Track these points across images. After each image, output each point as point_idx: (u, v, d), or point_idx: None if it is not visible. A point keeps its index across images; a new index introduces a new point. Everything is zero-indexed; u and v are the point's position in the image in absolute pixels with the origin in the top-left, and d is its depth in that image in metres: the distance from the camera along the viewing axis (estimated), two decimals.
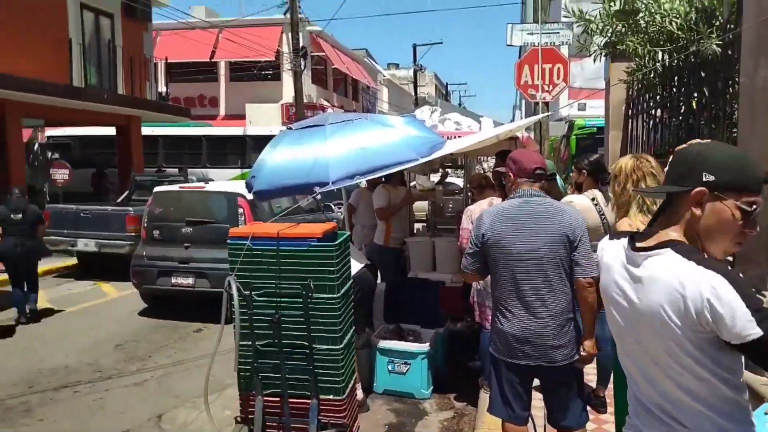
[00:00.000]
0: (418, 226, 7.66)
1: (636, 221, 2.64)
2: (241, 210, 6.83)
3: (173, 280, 6.86)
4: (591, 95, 9.99)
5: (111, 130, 13.90)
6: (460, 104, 50.53)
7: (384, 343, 4.54)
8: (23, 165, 10.83)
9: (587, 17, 5.63)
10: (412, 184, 7.16)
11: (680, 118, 5.45)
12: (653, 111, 6.17)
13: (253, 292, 3.58)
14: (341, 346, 3.57)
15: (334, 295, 3.57)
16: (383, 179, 5.60)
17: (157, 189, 7.65)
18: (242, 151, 14.94)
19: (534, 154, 2.86)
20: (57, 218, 8.87)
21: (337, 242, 3.68)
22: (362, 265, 4.48)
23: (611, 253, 1.51)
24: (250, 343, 3.60)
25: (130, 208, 8.96)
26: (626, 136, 7.07)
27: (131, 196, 10.22)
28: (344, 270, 3.78)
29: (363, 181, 6.06)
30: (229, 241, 3.67)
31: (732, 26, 4.10)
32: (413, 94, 35.90)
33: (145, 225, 7.28)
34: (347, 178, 4.43)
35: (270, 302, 3.58)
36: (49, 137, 15.66)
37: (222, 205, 7.06)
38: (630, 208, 2.67)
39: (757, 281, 3.09)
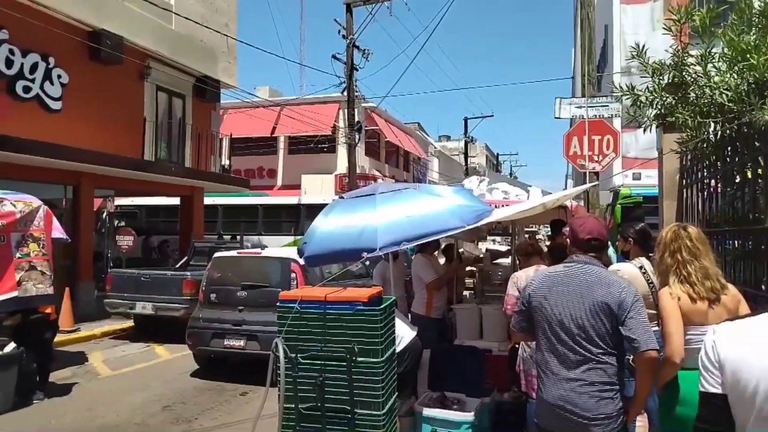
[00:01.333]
0: (465, 293, 7.60)
1: (676, 290, 2.60)
2: (294, 275, 7.05)
3: (226, 342, 7.01)
4: (644, 164, 9.90)
5: (175, 200, 14.73)
6: (511, 174, 50.69)
7: (428, 411, 4.44)
8: (92, 232, 11.56)
9: (636, 91, 5.70)
10: (460, 250, 7.19)
11: (735, 188, 5.33)
12: (707, 181, 6.06)
13: (298, 355, 3.65)
14: (383, 411, 3.55)
15: (378, 360, 3.59)
16: (416, 249, 5.66)
17: (216, 254, 7.99)
18: (296, 219, 15.50)
19: (593, 223, 2.77)
20: (118, 282, 9.32)
21: (382, 306, 3.74)
22: (414, 333, 4.48)
23: None
24: (293, 406, 3.62)
25: (188, 273, 9.32)
26: (681, 205, 6.93)
27: (190, 261, 10.64)
28: (389, 334, 3.81)
29: (382, 255, 6.13)
30: (278, 304, 3.79)
31: None
32: (464, 164, 36.33)
33: (203, 289, 7.56)
34: (394, 245, 4.54)
35: (314, 365, 3.63)
36: (117, 206, 16.71)
37: (276, 269, 7.28)
38: (668, 277, 2.64)
39: None
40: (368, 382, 3.57)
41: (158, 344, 9.23)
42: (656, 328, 3.12)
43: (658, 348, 2.44)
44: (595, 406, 2.44)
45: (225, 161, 17.11)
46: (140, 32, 12.15)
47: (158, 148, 13.21)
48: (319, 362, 3.64)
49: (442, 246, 7.29)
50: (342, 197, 5.33)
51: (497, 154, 53.08)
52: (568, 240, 2.79)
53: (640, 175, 17.27)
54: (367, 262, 5.94)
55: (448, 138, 51.34)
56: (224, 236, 13.51)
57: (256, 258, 7.73)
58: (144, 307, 9.29)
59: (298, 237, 14.18)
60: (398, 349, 4.08)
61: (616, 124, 12.03)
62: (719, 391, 1.43)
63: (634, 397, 2.56)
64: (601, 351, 2.48)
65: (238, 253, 8.25)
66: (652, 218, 7.33)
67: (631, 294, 2.50)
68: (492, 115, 54.40)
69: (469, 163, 36.87)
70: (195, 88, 14.36)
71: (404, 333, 4.36)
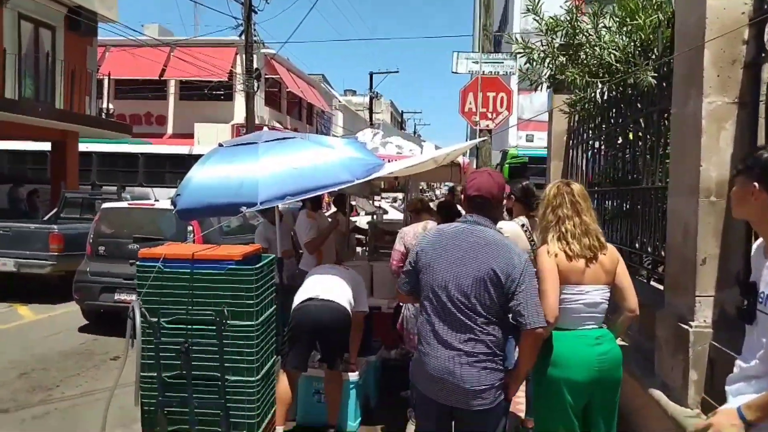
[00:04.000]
0: (358, 249, 7.44)
1: (554, 248, 2.54)
2: (190, 228, 6.73)
3: (116, 297, 6.75)
4: (536, 126, 10.17)
5: (46, 146, 13.26)
6: (414, 132, 51.21)
7: (311, 372, 4.27)
8: None
9: (529, 48, 5.66)
10: (352, 203, 6.97)
11: (616, 149, 5.50)
12: (592, 142, 6.24)
13: (161, 319, 3.29)
14: (257, 377, 3.31)
15: (252, 322, 3.32)
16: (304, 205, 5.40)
17: (105, 205, 7.65)
18: (184, 170, 14.50)
19: (482, 179, 2.54)
20: None
21: (258, 265, 3.45)
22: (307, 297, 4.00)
23: None
24: (155, 374, 3.28)
25: (55, 226, 8.41)
26: (567, 165, 7.13)
27: (60, 213, 9.64)
28: (265, 295, 3.53)
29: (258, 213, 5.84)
30: (138, 263, 3.38)
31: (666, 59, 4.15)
32: (368, 120, 36.09)
33: (90, 241, 7.23)
34: (277, 199, 4.22)
35: (180, 330, 3.29)
36: None
37: (170, 222, 6.86)
38: (548, 234, 2.58)
39: (685, 310, 3.02)
40: (241, 347, 3.29)
41: (22, 304, 8.32)
42: None
43: (545, 324, 2.36)
44: (476, 377, 2.32)
45: (106, 104, 15.62)
46: None
47: (23, 85, 11.69)
48: (185, 326, 3.31)
49: (333, 197, 7.03)
50: (221, 144, 4.87)
51: (402, 111, 53.27)
52: (461, 197, 2.63)
53: (533, 137, 17.93)
54: (247, 215, 5.56)
55: (354, 93, 50.69)
56: (100, 186, 12.39)
57: (150, 210, 7.47)
58: (4, 264, 8.30)
59: None
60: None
61: (513, 85, 12.23)
62: None
63: (516, 371, 2.46)
64: (484, 321, 2.35)
65: (129, 204, 7.90)
66: (539, 179, 7.54)
67: (521, 262, 2.37)
68: (397, 71, 54.25)
69: (373, 119, 36.60)
70: (67, 20, 12.78)
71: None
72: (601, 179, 5.94)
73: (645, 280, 4.39)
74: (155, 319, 3.25)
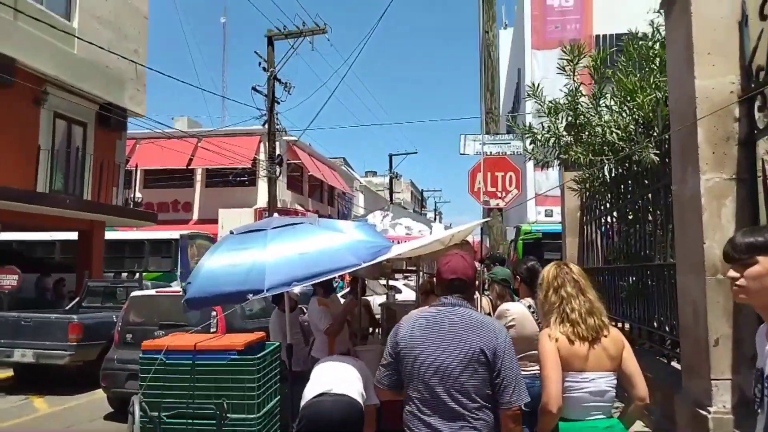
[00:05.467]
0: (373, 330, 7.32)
1: (555, 332, 2.46)
2: (214, 313, 6.73)
3: None
4: (554, 202, 10.14)
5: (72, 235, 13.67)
6: (435, 209, 51.57)
7: None
8: None
9: (533, 131, 5.79)
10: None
11: (628, 224, 5.45)
12: (604, 218, 6.21)
13: (162, 414, 3.24)
14: None
15: (254, 416, 3.25)
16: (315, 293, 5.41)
17: (133, 294, 7.79)
18: (141, 255, 14.74)
19: (456, 261, 2.57)
20: None
21: (259, 355, 3.42)
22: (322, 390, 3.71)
23: None
24: None
25: (74, 316, 8.50)
26: (582, 241, 7.07)
27: (81, 302, 9.77)
28: (268, 386, 3.47)
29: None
30: (140, 356, 3.38)
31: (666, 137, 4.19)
32: (389, 199, 36.60)
33: (119, 329, 7.34)
34: (283, 285, 4.22)
35: (181, 425, 3.23)
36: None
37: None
38: (551, 316, 2.51)
39: (702, 395, 2.86)
40: None
41: (38, 396, 8.26)
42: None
43: (526, 401, 2.28)
44: None
45: (136, 194, 16.16)
46: (36, 55, 11.34)
47: (54, 178, 12.24)
48: (186, 421, 3.25)
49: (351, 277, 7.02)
50: (232, 232, 4.95)
51: (422, 190, 53.99)
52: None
53: (551, 212, 17.92)
54: (258, 303, 5.57)
55: (374, 174, 51.76)
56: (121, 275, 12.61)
57: (176, 296, 7.43)
58: (24, 355, 8.32)
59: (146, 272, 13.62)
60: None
61: (529, 164, 12.40)
62: None
63: None
64: (476, 406, 2.28)
65: (156, 291, 8.00)
66: (554, 254, 7.47)
67: (503, 338, 2.36)
68: (416, 152, 55.65)
69: (394, 198, 37.14)
70: (98, 116, 13.53)
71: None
72: (615, 256, 5.85)
73: (666, 361, 4.21)
74: (156, 414, 3.20)
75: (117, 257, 14.85)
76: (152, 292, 8.03)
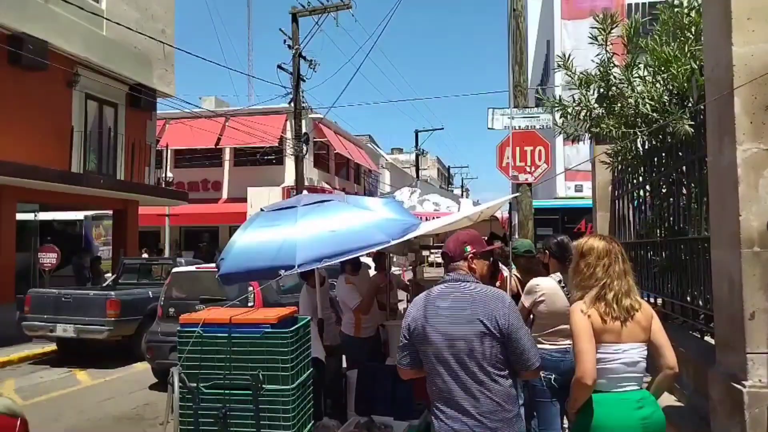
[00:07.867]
0: (401, 306, 7.38)
1: (589, 309, 2.45)
2: (251, 288, 6.98)
3: None
4: (578, 176, 10.00)
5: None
6: (462, 185, 51.22)
7: None
8: (13, 249, 10.77)
9: (563, 103, 5.67)
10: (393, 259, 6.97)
11: (661, 198, 5.35)
12: (637, 192, 6.10)
13: (200, 384, 3.34)
14: None
15: (288, 386, 3.33)
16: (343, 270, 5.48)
17: (175, 270, 8.23)
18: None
19: (450, 238, 2.65)
20: (38, 303, 8.70)
21: (293, 328, 3.48)
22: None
23: None
24: None
25: (112, 293, 8.79)
26: (613, 216, 6.97)
27: (118, 279, 10.07)
28: (301, 358, 3.55)
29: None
30: (179, 329, 3.48)
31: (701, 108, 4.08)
32: (415, 176, 36.50)
33: (162, 303, 7.72)
34: (314, 261, 4.27)
35: (218, 395, 3.34)
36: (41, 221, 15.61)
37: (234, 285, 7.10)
38: (586, 291, 2.49)
39: (737, 369, 2.84)
40: (277, 411, 3.29)
41: (81, 369, 8.62)
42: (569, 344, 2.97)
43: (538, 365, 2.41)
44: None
45: (167, 173, 16.46)
46: (67, 37, 11.55)
47: (87, 159, 12.55)
48: (223, 392, 3.35)
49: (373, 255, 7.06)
50: (263, 209, 5.03)
51: (448, 166, 53.61)
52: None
53: (581, 187, 17.65)
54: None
55: (401, 151, 51.54)
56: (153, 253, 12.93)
57: (215, 273, 7.60)
58: (65, 330, 8.68)
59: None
60: None
61: (558, 138, 12.19)
62: None
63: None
64: (491, 375, 2.34)
65: (196, 268, 8.38)
66: (545, 230, 7.44)
67: (510, 310, 2.39)
68: (442, 128, 55.11)
69: (420, 175, 36.98)
70: (129, 97, 13.77)
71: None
72: (648, 230, 5.76)
73: (699, 336, 4.16)
74: (194, 385, 3.31)
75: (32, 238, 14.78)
76: (192, 268, 8.46)
